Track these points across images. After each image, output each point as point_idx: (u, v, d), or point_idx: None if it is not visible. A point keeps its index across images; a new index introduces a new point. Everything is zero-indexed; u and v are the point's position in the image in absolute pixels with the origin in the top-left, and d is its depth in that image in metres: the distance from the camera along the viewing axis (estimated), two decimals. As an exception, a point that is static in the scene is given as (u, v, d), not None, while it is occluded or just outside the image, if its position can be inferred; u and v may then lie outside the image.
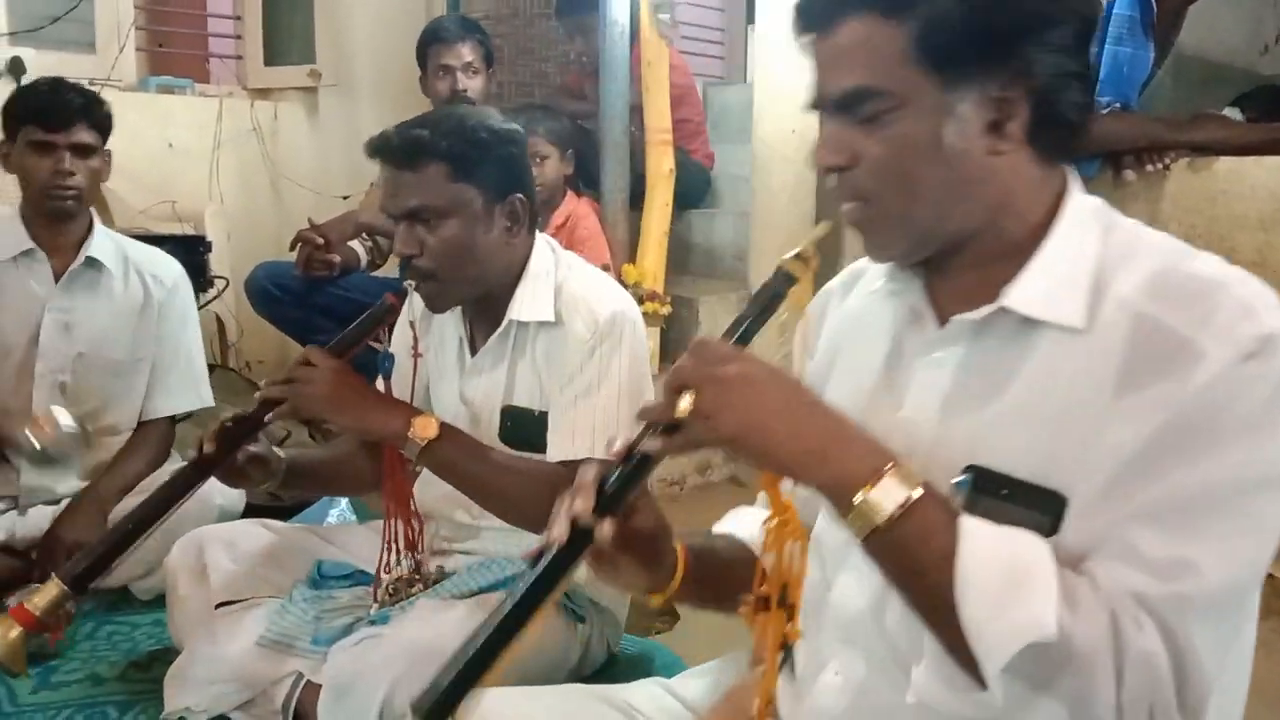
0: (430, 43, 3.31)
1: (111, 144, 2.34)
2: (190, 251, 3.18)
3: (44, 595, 1.62)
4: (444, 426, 1.60)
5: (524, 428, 1.69)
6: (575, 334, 1.66)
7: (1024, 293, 0.92)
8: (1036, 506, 0.87)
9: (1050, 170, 0.96)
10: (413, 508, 1.76)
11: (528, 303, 1.70)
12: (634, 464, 0.94)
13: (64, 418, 2.17)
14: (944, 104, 0.91)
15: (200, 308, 3.26)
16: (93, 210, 2.37)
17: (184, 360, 2.48)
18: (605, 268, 3.14)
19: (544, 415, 1.67)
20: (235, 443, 1.62)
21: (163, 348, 2.44)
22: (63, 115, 2.20)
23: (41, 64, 3.44)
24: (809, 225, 3.30)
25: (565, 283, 1.71)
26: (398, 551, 1.74)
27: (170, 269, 2.48)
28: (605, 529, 0.93)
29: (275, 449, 1.75)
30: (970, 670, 0.81)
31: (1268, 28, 4.85)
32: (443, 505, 1.79)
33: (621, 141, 3.31)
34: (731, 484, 3.30)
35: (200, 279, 3.23)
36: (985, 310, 0.94)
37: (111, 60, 3.82)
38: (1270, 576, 2.65)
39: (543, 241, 1.76)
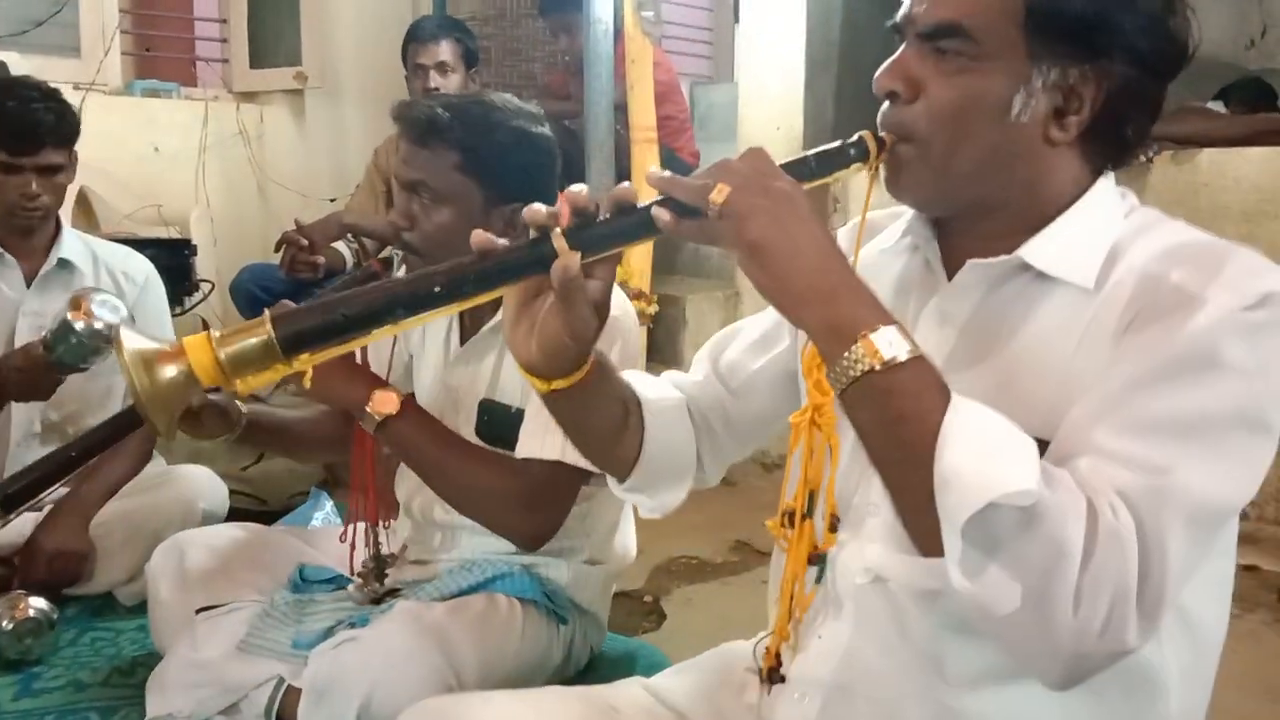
0: (409, 41, 3.33)
1: (96, 149, 2.34)
2: (175, 255, 3.16)
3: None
4: (406, 403, 1.57)
5: (500, 424, 1.67)
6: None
7: (1041, 248, 0.94)
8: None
9: (1093, 173, 0.98)
10: (380, 487, 1.74)
11: None
12: (633, 219, 0.89)
13: (106, 313, 2.04)
14: (1024, 73, 0.92)
15: (185, 311, 3.27)
16: (71, 214, 2.37)
17: None
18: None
19: (521, 413, 1.66)
20: None
21: None
22: (31, 141, 2.17)
23: (25, 68, 3.39)
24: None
25: None
26: (369, 533, 1.72)
27: (140, 266, 2.46)
28: (574, 259, 0.88)
29: (237, 402, 1.72)
30: (927, 540, 0.80)
31: (1253, 23, 4.87)
32: (420, 501, 1.77)
33: (606, 140, 3.30)
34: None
35: (185, 282, 3.22)
36: (1001, 259, 0.95)
37: (96, 64, 3.81)
38: (1255, 569, 2.66)
39: None
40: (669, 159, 3.58)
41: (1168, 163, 2.49)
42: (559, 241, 0.88)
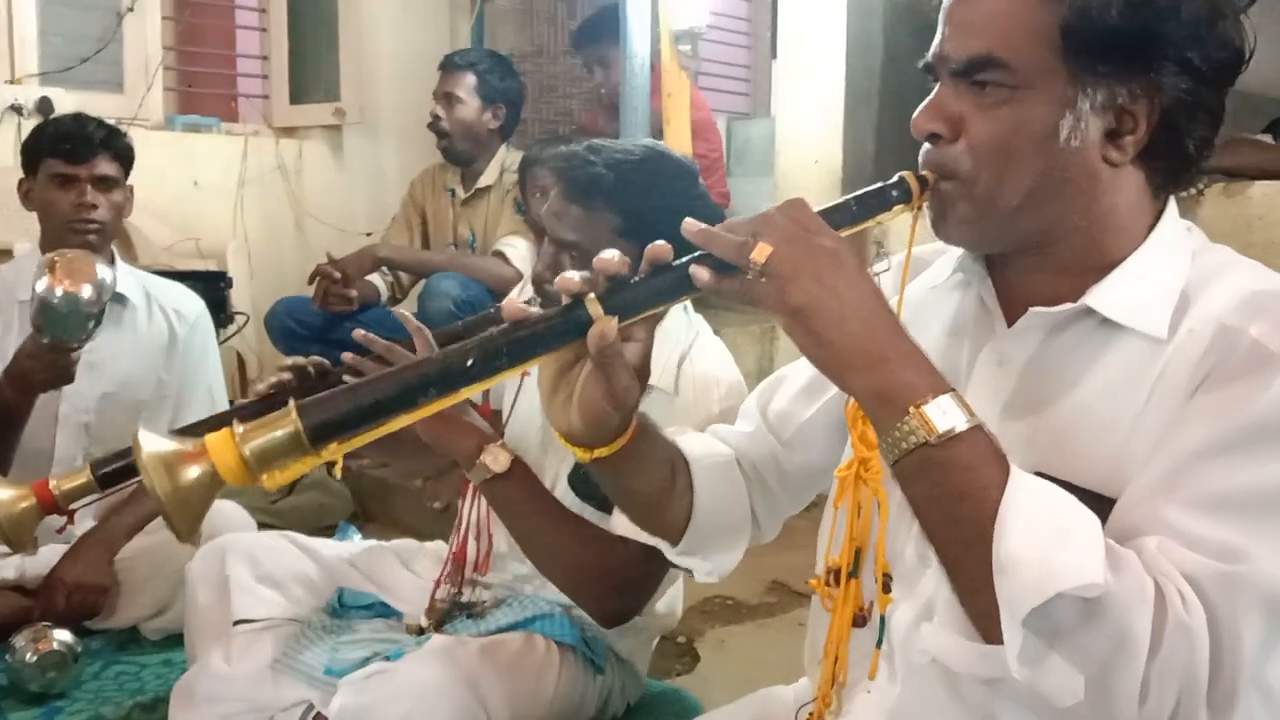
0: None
1: (137, 182, 2.33)
2: (211, 287, 3.18)
3: (71, 480, 1.59)
4: (515, 463, 1.52)
5: (595, 486, 1.63)
6: (685, 407, 1.55)
7: (1109, 296, 0.89)
8: (1103, 518, 0.79)
9: (1154, 195, 0.93)
10: (480, 530, 1.70)
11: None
12: (670, 278, 0.85)
13: (104, 273, 1.90)
14: (1068, 97, 0.88)
15: (220, 343, 3.26)
16: (114, 246, 2.36)
17: (203, 395, 2.44)
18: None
19: None
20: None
21: (184, 383, 2.40)
22: (85, 147, 2.19)
23: (70, 104, 3.46)
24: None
25: (692, 355, 1.62)
26: (459, 571, 1.69)
27: (192, 304, 2.45)
28: (610, 325, 0.84)
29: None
30: (984, 622, 0.75)
31: (1302, 56, 4.79)
32: (509, 547, 1.71)
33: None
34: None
35: (221, 314, 3.22)
36: (1066, 307, 0.90)
37: (139, 100, 3.85)
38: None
39: (685, 315, 1.67)
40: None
41: (1219, 195, 2.42)
42: (594, 307, 0.84)
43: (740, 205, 4.05)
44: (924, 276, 1.06)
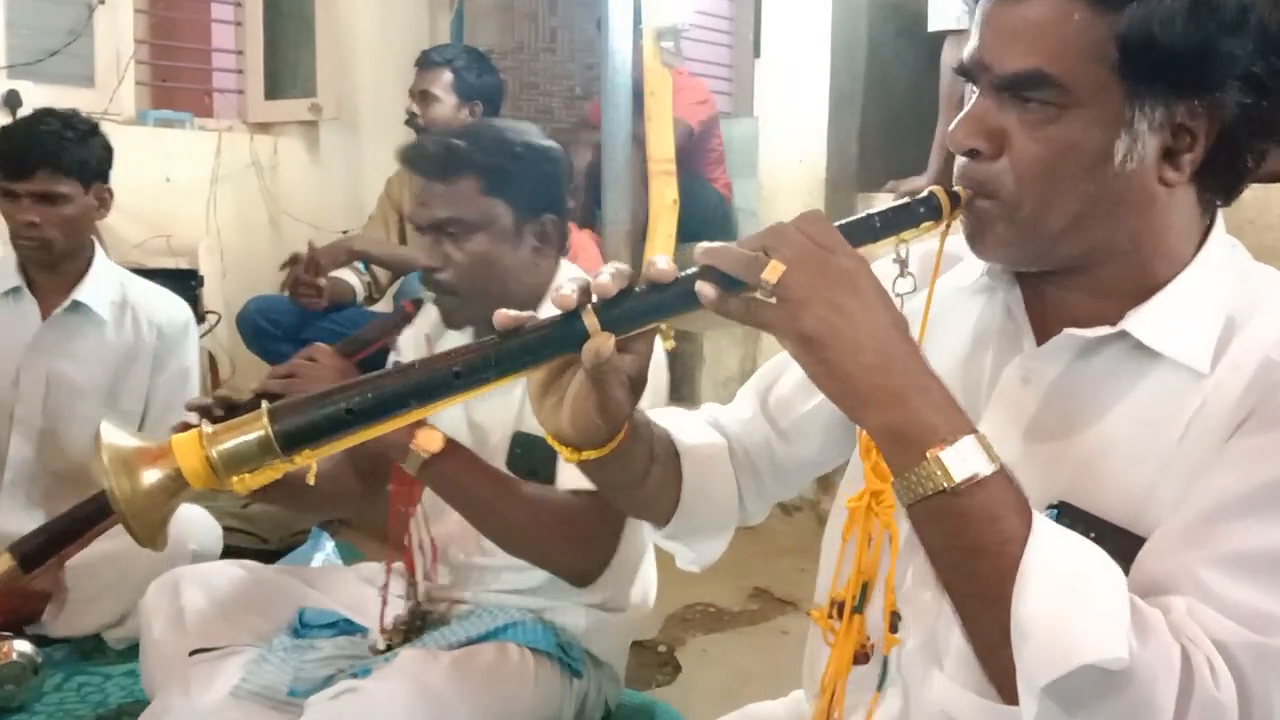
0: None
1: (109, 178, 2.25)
2: (181, 286, 3.08)
3: None
4: (449, 441, 1.49)
5: (533, 456, 1.59)
6: None
7: (1150, 321, 0.83)
8: (1126, 557, 0.76)
9: (1206, 210, 0.86)
10: (420, 538, 1.66)
11: None
12: (672, 293, 0.79)
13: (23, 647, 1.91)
14: (1124, 117, 0.80)
15: (191, 343, 3.21)
16: (98, 245, 2.28)
17: (178, 413, 2.35)
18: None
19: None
20: None
21: (158, 398, 2.31)
22: (21, 165, 2.10)
23: (39, 98, 3.38)
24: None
25: None
26: (410, 588, 1.64)
27: (174, 316, 2.35)
28: (607, 342, 0.78)
29: None
30: (1000, 680, 0.71)
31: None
32: (457, 544, 1.68)
33: (624, 171, 3.23)
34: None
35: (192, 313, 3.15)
36: (1103, 330, 0.84)
37: (109, 94, 3.77)
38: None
39: (569, 266, 1.69)
40: (702, 189, 3.50)
41: (1208, 198, 2.39)
42: (590, 320, 0.79)
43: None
44: (952, 275, 0.98)
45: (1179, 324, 0.82)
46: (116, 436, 0.74)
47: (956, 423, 0.73)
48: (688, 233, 3.45)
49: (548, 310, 1.58)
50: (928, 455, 0.71)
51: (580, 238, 3.17)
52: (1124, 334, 0.84)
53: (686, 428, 1.07)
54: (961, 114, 0.86)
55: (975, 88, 0.87)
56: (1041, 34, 0.81)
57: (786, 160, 3.37)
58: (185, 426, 1.46)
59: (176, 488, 0.74)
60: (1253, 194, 2.39)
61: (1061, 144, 0.81)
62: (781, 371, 1.12)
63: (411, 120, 3.21)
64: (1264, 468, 0.74)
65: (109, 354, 2.26)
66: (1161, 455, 0.80)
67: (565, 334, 0.80)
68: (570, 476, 1.51)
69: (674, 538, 1.08)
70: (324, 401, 0.76)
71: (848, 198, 3.29)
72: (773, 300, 0.75)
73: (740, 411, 1.13)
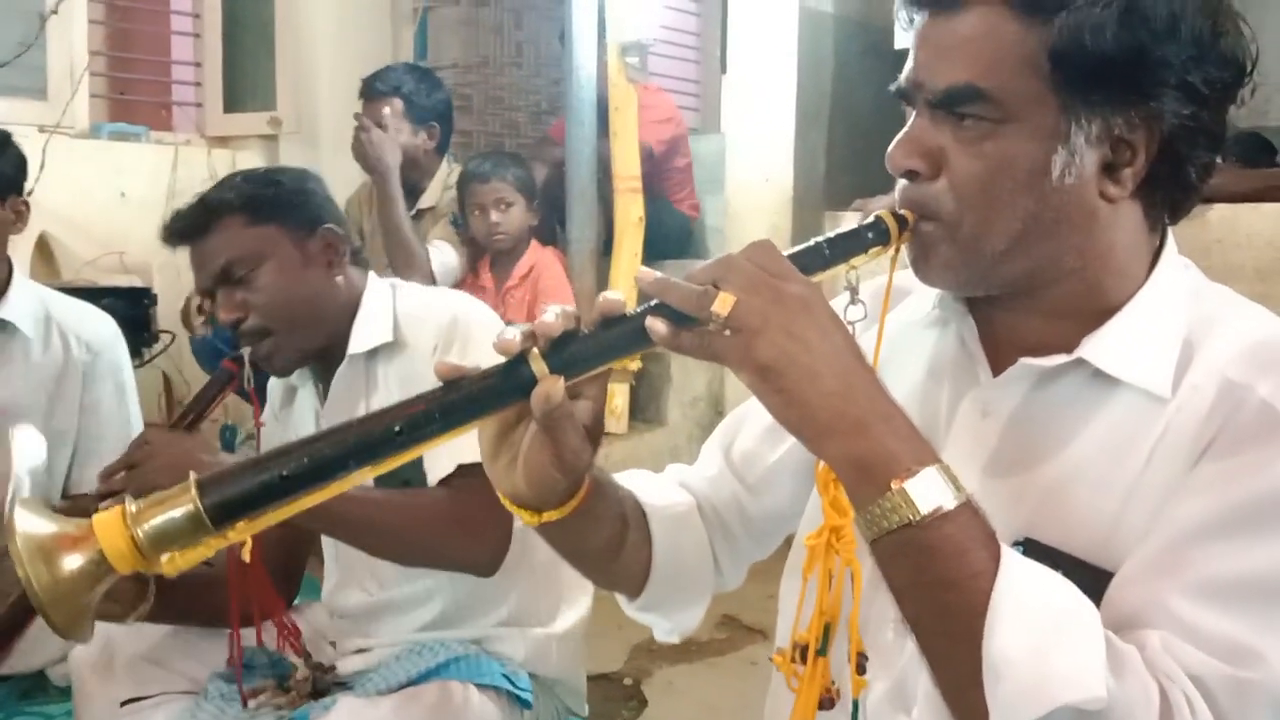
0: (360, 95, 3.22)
1: (58, 193, 2.18)
2: (134, 304, 3.02)
3: None
4: None
5: (398, 468, 1.55)
6: (421, 348, 1.54)
7: (1107, 347, 0.81)
8: (1095, 592, 0.74)
9: (1154, 227, 0.85)
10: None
11: (366, 332, 1.57)
12: (622, 331, 0.76)
13: None
14: (1060, 130, 0.79)
15: (145, 363, 3.11)
16: (12, 262, 2.19)
17: (119, 427, 2.27)
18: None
19: None
20: None
21: (93, 416, 2.21)
22: None
23: (-13, 109, 3.30)
24: (785, 276, 3.18)
25: (402, 306, 1.60)
26: (288, 644, 1.58)
27: (100, 331, 2.26)
28: (556, 386, 0.74)
29: None
30: (971, 717, 0.68)
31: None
32: (338, 592, 1.63)
33: (589, 189, 3.19)
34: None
35: (145, 333, 3.06)
36: (1059, 359, 0.82)
37: (62, 106, 3.68)
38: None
39: (377, 278, 1.65)
40: (666, 211, 3.47)
41: (1176, 218, 2.39)
42: (538, 365, 0.75)
43: (696, 223, 3.99)
44: (903, 308, 0.97)
45: (1136, 349, 0.81)
46: (31, 521, 0.69)
47: (920, 452, 0.71)
48: (654, 250, 3.42)
49: (365, 321, 1.57)
50: (892, 486, 0.69)
51: (544, 255, 3.13)
52: (1081, 361, 0.82)
53: (652, 488, 1.03)
54: (899, 136, 0.85)
55: (912, 109, 0.86)
56: (973, 48, 0.80)
57: (753, 177, 3.35)
58: (104, 496, 1.41)
59: (100, 573, 0.69)
60: (1219, 214, 2.40)
61: (998, 159, 0.81)
62: (743, 423, 1.09)
63: (358, 134, 3.04)
64: (1231, 491, 0.74)
65: (39, 373, 2.16)
66: (1126, 484, 0.79)
67: (512, 381, 0.76)
68: (438, 466, 1.47)
69: (649, 609, 1.03)
70: (257, 469, 0.72)
71: (814, 215, 3.28)
72: (726, 333, 0.73)
73: (706, 469, 1.09)
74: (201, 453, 1.45)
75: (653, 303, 0.76)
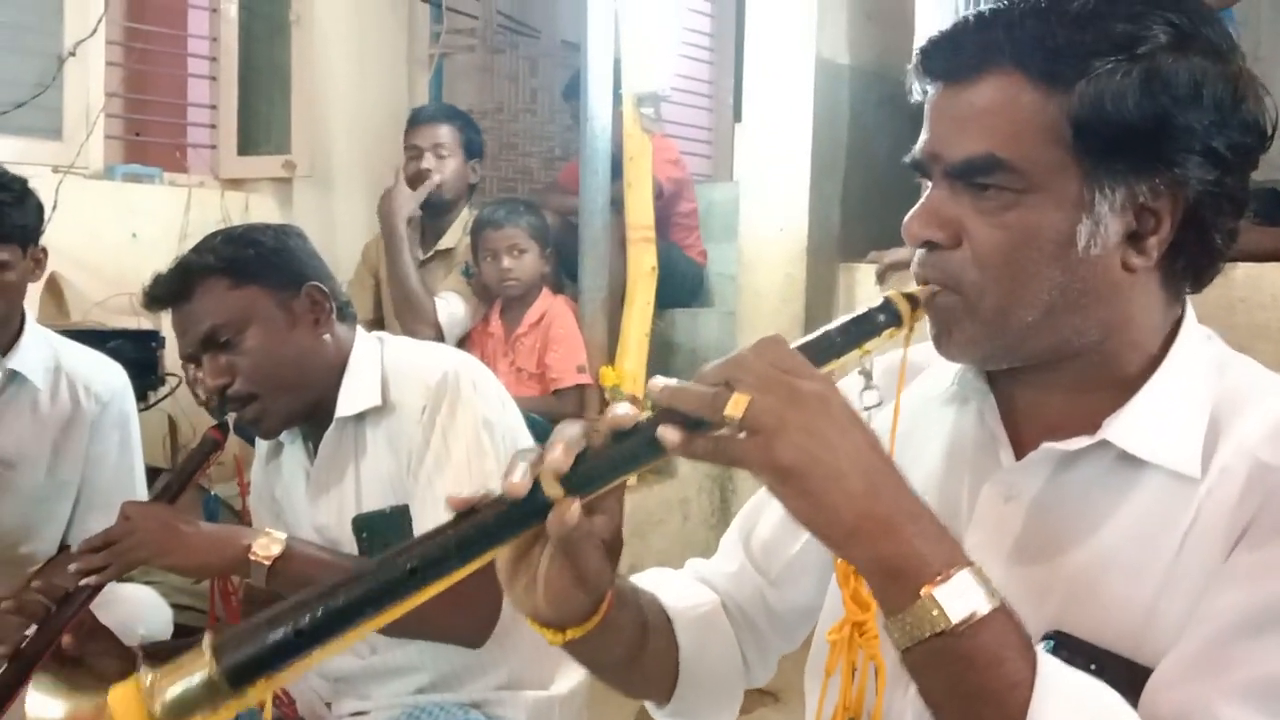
0: (409, 125, 3.27)
1: (72, 233, 2.16)
2: (142, 347, 3.00)
3: None
4: (290, 541, 1.43)
5: (380, 532, 1.52)
6: (410, 408, 1.51)
7: (1131, 427, 0.79)
8: (1132, 688, 0.71)
9: (1175, 297, 0.83)
10: None
11: (354, 394, 1.55)
12: (632, 445, 0.74)
13: None
14: (1084, 199, 0.77)
15: (150, 406, 3.08)
16: (27, 311, 2.17)
17: (124, 480, 2.21)
18: (581, 369, 2.99)
19: (397, 510, 1.51)
20: (60, 629, 1.41)
21: (98, 467, 2.18)
22: None
23: (3, 150, 3.30)
24: (799, 328, 3.15)
25: (391, 364, 1.57)
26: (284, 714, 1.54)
27: (109, 381, 2.22)
28: (572, 508, 0.72)
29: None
30: None
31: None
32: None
33: (601, 238, 3.17)
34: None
35: (151, 376, 3.04)
36: (1083, 442, 0.80)
37: (77, 147, 3.69)
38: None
39: (365, 333, 1.63)
40: (677, 258, 3.45)
41: (1199, 277, 2.35)
42: (551, 488, 0.72)
43: (707, 271, 3.97)
44: (918, 384, 0.94)
45: (1162, 428, 0.79)
46: (45, 706, 0.69)
47: (951, 554, 0.69)
48: (665, 298, 3.40)
49: (353, 382, 1.54)
50: (922, 594, 0.66)
51: (556, 303, 3.11)
52: (1105, 443, 0.80)
53: (674, 589, 1.01)
54: (915, 208, 0.83)
55: (929, 181, 0.84)
56: (991, 118, 0.79)
57: (767, 227, 3.32)
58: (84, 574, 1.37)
59: None
60: (1244, 272, 2.36)
61: (1021, 230, 0.79)
62: (760, 512, 1.06)
63: (425, 175, 3.13)
64: (1270, 584, 0.71)
65: (46, 424, 2.13)
66: (1159, 572, 0.76)
67: (526, 508, 0.73)
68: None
69: (680, 714, 1.00)
70: (270, 627, 0.69)
71: (829, 266, 3.25)
72: (742, 435, 0.69)
73: (726, 564, 1.06)
74: (182, 525, 1.43)
75: (663, 410, 0.73)
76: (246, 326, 1.49)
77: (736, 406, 0.69)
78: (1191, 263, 0.82)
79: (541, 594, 0.79)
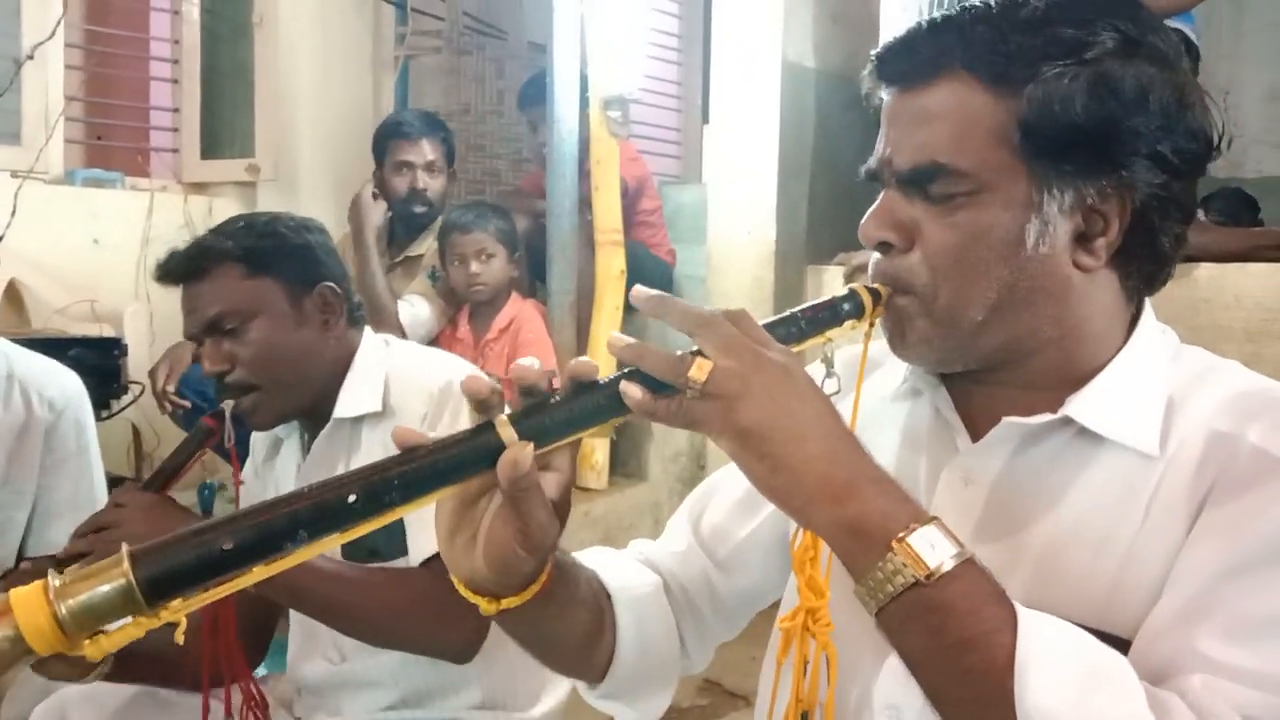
0: (390, 137, 3.19)
1: (32, 239, 2.11)
2: (103, 354, 2.95)
3: None
4: None
5: (364, 537, 1.49)
6: (410, 414, 1.49)
7: (1092, 405, 0.80)
8: None
9: (1131, 298, 0.85)
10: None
11: (354, 397, 1.53)
12: (596, 398, 0.72)
13: None
14: (1033, 200, 0.79)
15: (113, 415, 3.04)
16: None
17: (83, 488, 2.17)
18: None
19: None
20: None
21: (54, 475, 2.12)
22: None
23: (-41, 156, 3.25)
24: (767, 330, 3.15)
25: (394, 369, 1.55)
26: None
27: (64, 389, 2.15)
28: (525, 451, 0.70)
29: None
30: None
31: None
32: (308, 662, 1.57)
33: (570, 241, 3.16)
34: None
35: (114, 384, 2.99)
36: (1045, 417, 0.81)
37: (36, 152, 3.63)
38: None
39: (372, 334, 1.61)
40: (644, 257, 3.44)
41: (1163, 277, 2.37)
42: (505, 431, 0.70)
43: (676, 273, 3.96)
44: (874, 381, 0.94)
45: (1122, 407, 0.81)
46: None
47: (916, 511, 0.69)
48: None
49: (354, 384, 1.52)
50: (893, 545, 0.66)
51: (525, 308, 3.09)
52: (1067, 420, 0.81)
53: (615, 567, 0.99)
54: (871, 209, 0.85)
55: (885, 187, 0.85)
56: (943, 123, 0.80)
57: (735, 230, 3.32)
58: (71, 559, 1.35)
59: (17, 653, 0.61)
60: (1207, 273, 2.38)
61: (971, 230, 0.80)
62: (712, 496, 1.06)
63: (420, 194, 3.13)
64: (1242, 533, 0.73)
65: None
66: (1122, 545, 0.77)
67: (477, 448, 0.71)
68: (421, 546, 1.41)
69: (612, 696, 0.98)
70: (196, 540, 0.65)
71: (797, 268, 3.25)
72: (705, 399, 0.70)
73: (673, 544, 1.05)
74: (176, 514, 1.40)
75: (628, 369, 0.72)
76: (253, 317, 1.47)
77: (701, 370, 0.70)
78: (1142, 266, 0.84)
79: (481, 552, 0.76)
